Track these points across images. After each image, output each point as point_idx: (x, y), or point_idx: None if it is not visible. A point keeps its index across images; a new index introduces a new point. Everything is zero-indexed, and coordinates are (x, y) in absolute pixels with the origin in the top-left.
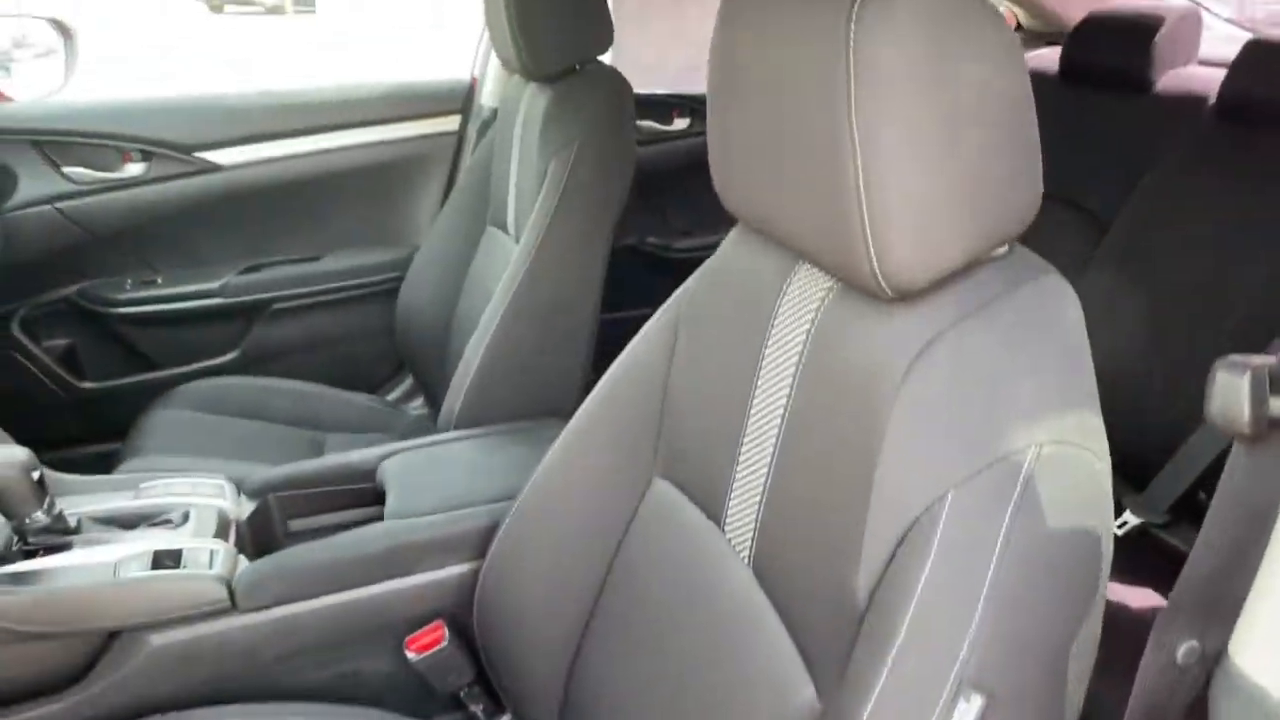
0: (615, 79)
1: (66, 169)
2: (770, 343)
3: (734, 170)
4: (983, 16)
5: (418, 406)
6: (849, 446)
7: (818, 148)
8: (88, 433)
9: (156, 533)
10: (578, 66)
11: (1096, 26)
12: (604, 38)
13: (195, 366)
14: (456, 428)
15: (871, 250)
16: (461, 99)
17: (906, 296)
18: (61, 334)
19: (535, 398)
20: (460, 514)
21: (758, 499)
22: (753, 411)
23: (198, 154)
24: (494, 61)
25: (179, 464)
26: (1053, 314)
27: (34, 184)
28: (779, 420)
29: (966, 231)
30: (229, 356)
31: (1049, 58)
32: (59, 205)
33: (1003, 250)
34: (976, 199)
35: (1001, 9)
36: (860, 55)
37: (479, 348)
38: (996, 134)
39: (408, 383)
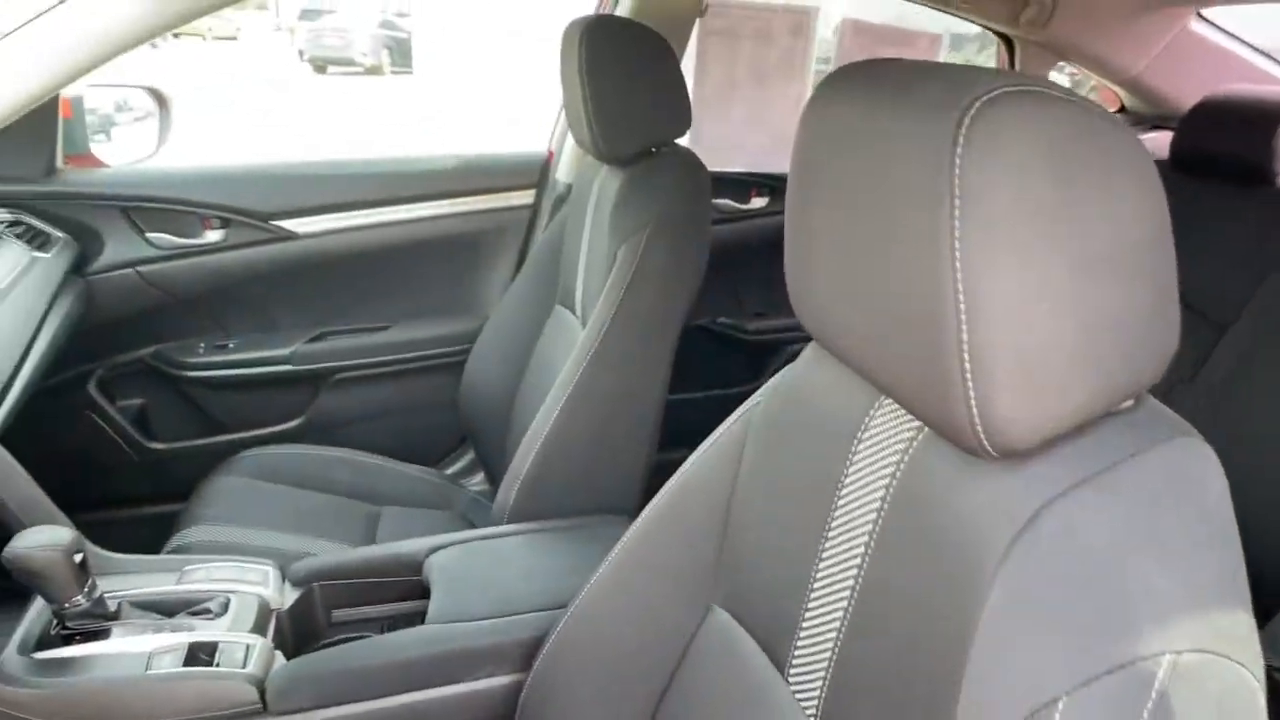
0: (691, 162)
1: (149, 234)
2: (847, 485)
3: (813, 290)
4: (1115, 137)
5: (478, 482)
6: (937, 626)
7: (912, 282)
8: (153, 492)
9: (195, 623)
10: (654, 149)
11: (1213, 112)
12: (682, 122)
13: (260, 432)
14: (511, 519)
15: (973, 403)
16: (537, 173)
17: (1011, 455)
18: (135, 394)
19: (594, 490)
20: (506, 622)
21: (827, 659)
22: (823, 560)
23: (274, 222)
24: (570, 137)
25: (233, 534)
26: (1191, 485)
27: (118, 248)
28: (854, 575)
29: (1088, 386)
30: (294, 423)
31: (1156, 142)
32: (140, 269)
33: (1128, 403)
34: (1102, 350)
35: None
36: (967, 181)
37: (539, 436)
38: (1128, 277)
39: (469, 457)
